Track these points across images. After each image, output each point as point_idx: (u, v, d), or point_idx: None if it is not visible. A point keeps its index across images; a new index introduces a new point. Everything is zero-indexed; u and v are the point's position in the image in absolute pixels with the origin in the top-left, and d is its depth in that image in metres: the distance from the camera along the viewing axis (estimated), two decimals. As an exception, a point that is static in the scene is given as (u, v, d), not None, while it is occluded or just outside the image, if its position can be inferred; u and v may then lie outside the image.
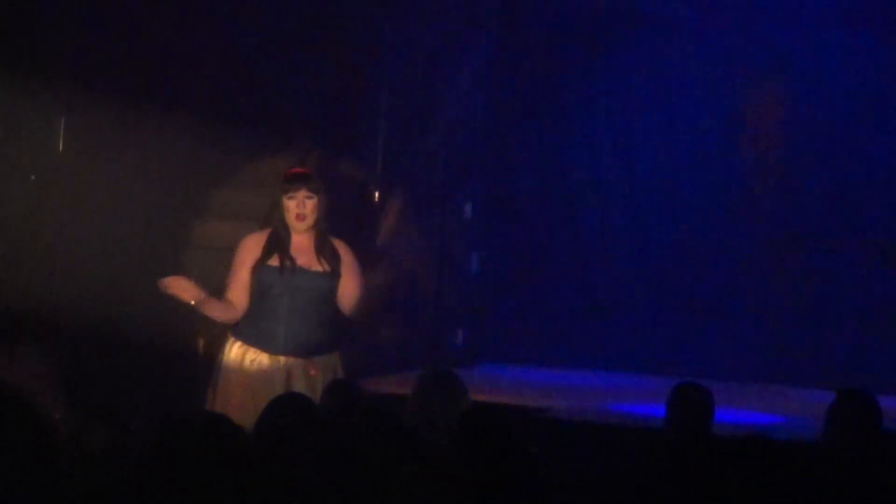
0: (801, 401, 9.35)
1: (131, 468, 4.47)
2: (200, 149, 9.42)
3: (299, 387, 6.59)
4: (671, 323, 10.82)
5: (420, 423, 5.60)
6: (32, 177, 8.28)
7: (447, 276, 10.51)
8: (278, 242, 6.82)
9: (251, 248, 6.84)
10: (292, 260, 6.79)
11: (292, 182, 6.79)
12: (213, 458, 4.18)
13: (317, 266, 6.80)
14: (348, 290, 6.84)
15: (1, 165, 8.03)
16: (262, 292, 6.79)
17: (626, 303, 10.99)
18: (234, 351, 6.82)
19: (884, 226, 10.54)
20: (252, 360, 6.77)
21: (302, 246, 6.82)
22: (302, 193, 6.76)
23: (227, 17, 9.38)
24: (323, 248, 6.81)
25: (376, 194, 9.29)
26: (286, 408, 5.21)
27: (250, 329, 6.82)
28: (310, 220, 6.77)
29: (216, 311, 6.77)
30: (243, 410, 6.42)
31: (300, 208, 6.76)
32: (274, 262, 6.79)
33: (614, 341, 10.90)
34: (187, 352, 8.12)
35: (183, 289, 6.58)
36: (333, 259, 6.82)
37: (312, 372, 6.73)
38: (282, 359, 6.74)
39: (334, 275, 6.81)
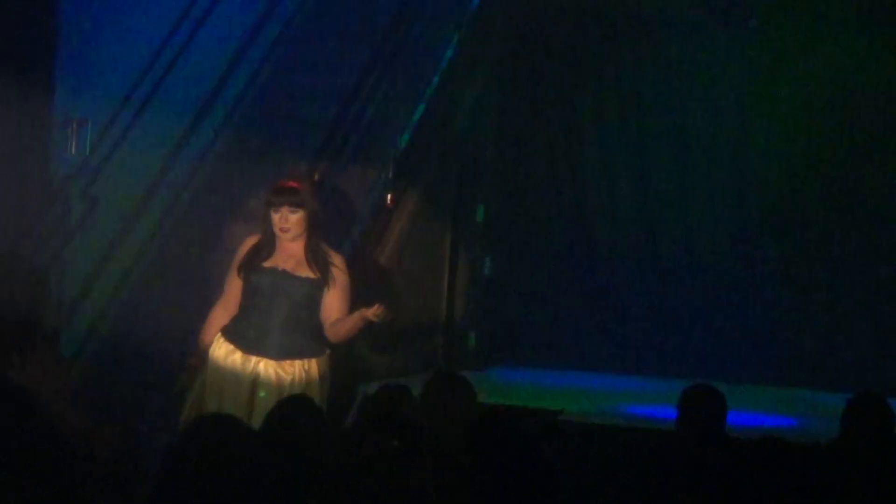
0: (814, 403, 9.32)
1: (145, 470, 4.47)
2: (226, 154, 9.45)
3: (267, 388, 6.74)
4: (683, 325, 10.80)
5: (428, 426, 5.59)
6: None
7: (459, 278, 10.49)
8: (263, 247, 7.01)
9: (246, 249, 7.04)
10: (277, 265, 6.96)
11: (277, 196, 6.99)
12: (225, 459, 4.17)
13: (303, 272, 6.93)
14: (331, 305, 6.93)
15: (18, 170, 8.03)
16: (249, 293, 6.99)
17: (639, 305, 10.97)
18: (219, 346, 7.00)
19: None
20: (227, 356, 6.93)
21: (291, 252, 7.01)
22: (285, 208, 6.93)
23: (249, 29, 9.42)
24: (315, 256, 6.93)
25: (389, 198, 9.27)
26: (294, 410, 5.20)
27: (235, 326, 7.02)
28: (294, 232, 6.97)
29: None
30: (214, 404, 6.63)
31: (283, 222, 6.97)
32: (264, 264, 6.90)
33: (626, 344, 10.88)
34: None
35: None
36: (324, 267, 6.92)
37: (282, 375, 6.84)
38: (253, 358, 6.91)
39: (321, 282, 6.91)
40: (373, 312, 6.74)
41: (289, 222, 6.94)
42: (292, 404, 5.22)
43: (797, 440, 5.17)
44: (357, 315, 6.82)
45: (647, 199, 11.03)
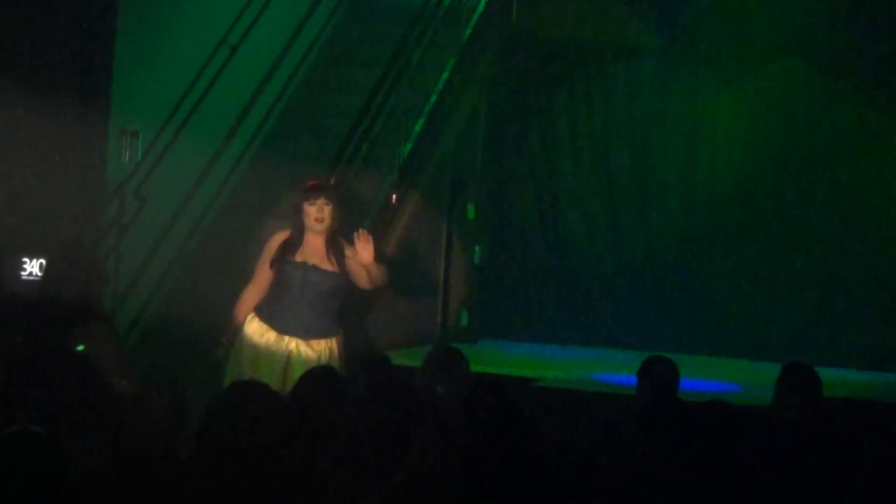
0: (754, 371, 9.33)
1: (190, 427, 4.47)
2: (256, 161, 9.43)
3: (297, 362, 6.75)
4: (643, 305, 10.81)
5: (429, 390, 5.59)
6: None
7: (453, 266, 10.50)
8: (295, 241, 6.95)
9: (276, 243, 6.98)
10: (306, 259, 6.93)
11: (314, 190, 6.94)
12: (254, 417, 4.17)
13: (327, 265, 6.95)
14: (362, 273, 6.96)
15: (81, 174, 8.02)
16: (280, 281, 6.95)
17: (605, 288, 10.97)
18: (253, 325, 6.98)
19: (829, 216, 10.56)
20: (263, 335, 6.91)
21: (316, 246, 6.98)
22: (321, 200, 6.91)
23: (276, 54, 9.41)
24: (333, 249, 6.93)
25: (394, 197, 9.27)
26: (319, 379, 5.20)
27: (268, 310, 6.98)
28: (327, 223, 6.92)
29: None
30: (249, 373, 6.63)
31: (319, 213, 6.91)
32: (294, 258, 6.89)
33: (595, 321, 10.88)
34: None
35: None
36: (341, 257, 6.93)
37: (311, 352, 6.85)
38: (286, 338, 6.89)
39: (341, 273, 6.92)
40: (361, 253, 6.76)
41: (323, 213, 6.91)
42: (318, 373, 5.22)
43: (739, 403, 5.17)
44: (362, 263, 6.84)
45: (612, 200, 11.05)
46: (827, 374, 6.22)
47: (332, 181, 8.24)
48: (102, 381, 5.26)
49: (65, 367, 5.02)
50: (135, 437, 4.33)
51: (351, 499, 4.23)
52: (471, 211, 10.76)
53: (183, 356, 7.84)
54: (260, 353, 6.91)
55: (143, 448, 4.30)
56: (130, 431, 4.34)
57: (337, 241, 7.01)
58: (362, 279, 7.02)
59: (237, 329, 7.02)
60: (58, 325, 6.33)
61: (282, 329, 6.91)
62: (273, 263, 6.99)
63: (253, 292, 7.07)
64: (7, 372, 5.46)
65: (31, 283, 7.26)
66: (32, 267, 7.30)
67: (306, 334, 6.92)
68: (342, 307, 7.11)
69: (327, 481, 4.29)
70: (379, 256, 7.04)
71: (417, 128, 9.62)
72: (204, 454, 4.18)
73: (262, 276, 7.04)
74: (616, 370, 8.81)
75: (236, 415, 4.19)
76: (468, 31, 10.20)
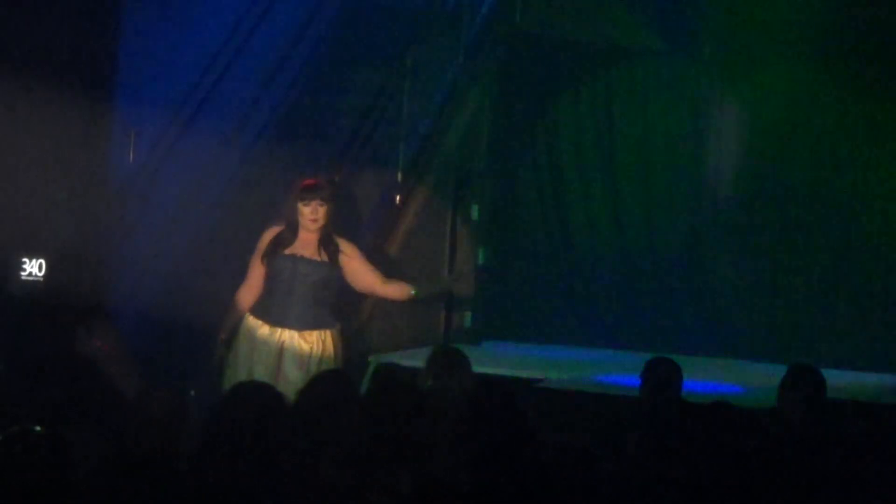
0: (757, 373, 9.31)
1: (192, 427, 4.47)
2: (261, 161, 9.43)
3: (290, 354, 6.77)
4: (646, 305, 10.80)
5: (431, 390, 5.60)
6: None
7: (457, 267, 10.48)
8: (287, 237, 6.97)
9: (267, 239, 7.01)
10: (296, 252, 6.97)
11: (308, 191, 6.96)
12: (259, 420, 4.17)
13: (317, 257, 6.94)
14: (360, 272, 6.99)
15: (85, 175, 8.02)
16: (273, 276, 7.00)
17: (608, 289, 10.97)
18: (248, 324, 7.07)
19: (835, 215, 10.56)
20: (257, 329, 6.93)
21: (308, 241, 7.01)
22: (316, 202, 6.93)
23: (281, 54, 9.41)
24: (327, 244, 6.97)
25: (398, 198, 9.28)
26: (328, 382, 5.20)
27: (261, 305, 7.08)
28: (320, 223, 6.96)
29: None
30: (245, 369, 6.65)
31: (313, 214, 6.94)
32: (285, 251, 6.91)
33: (598, 322, 10.88)
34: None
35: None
36: (334, 252, 6.96)
37: (303, 343, 6.87)
38: (279, 330, 6.90)
39: (333, 265, 6.95)
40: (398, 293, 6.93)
41: (318, 214, 6.95)
42: (326, 377, 5.22)
43: (742, 405, 5.16)
44: (405, 288, 6.93)
45: (616, 201, 11.04)
46: (831, 375, 6.22)
47: (336, 179, 8.25)
48: (105, 381, 5.26)
49: (67, 367, 5.02)
50: (137, 437, 4.33)
51: (355, 501, 4.22)
52: (475, 212, 10.76)
53: (186, 356, 7.84)
54: (255, 349, 6.95)
55: (146, 449, 4.30)
56: (133, 432, 4.34)
57: (331, 237, 7.03)
58: (360, 283, 7.04)
59: (233, 327, 7.04)
60: (61, 325, 6.33)
61: (274, 321, 6.96)
62: (264, 258, 7.02)
63: (247, 289, 7.10)
64: (9, 372, 5.47)
65: (31, 284, 7.26)
66: (32, 267, 7.30)
67: (298, 325, 6.94)
68: (337, 300, 7.13)
69: (331, 484, 4.28)
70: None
71: (422, 129, 9.62)
72: (208, 455, 4.18)
73: (256, 273, 7.09)
74: (619, 371, 8.79)
75: (241, 416, 4.19)
76: (472, 32, 10.20)
